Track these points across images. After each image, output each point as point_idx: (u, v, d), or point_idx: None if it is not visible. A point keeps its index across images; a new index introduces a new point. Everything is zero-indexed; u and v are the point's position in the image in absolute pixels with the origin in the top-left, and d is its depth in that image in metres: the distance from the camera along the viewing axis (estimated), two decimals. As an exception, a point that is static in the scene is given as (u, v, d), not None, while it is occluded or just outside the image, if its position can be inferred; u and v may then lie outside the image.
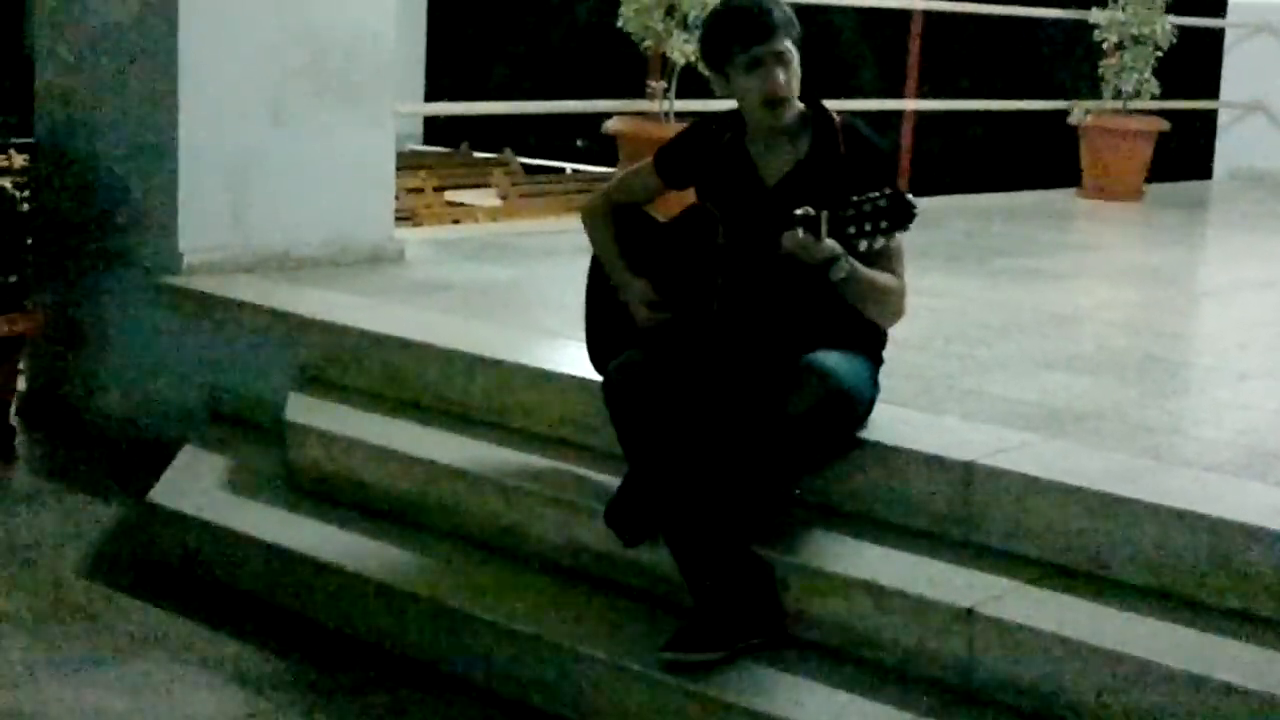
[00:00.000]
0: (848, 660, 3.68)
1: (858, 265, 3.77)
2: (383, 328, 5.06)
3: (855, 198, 3.66)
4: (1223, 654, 3.33)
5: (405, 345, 4.95)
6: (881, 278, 3.86)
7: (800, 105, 4.00)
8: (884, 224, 3.64)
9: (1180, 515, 3.55)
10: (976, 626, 3.52)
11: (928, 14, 11.73)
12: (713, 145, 4.08)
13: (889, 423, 4.05)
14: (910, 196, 3.63)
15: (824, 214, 3.67)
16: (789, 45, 3.92)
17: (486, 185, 12.49)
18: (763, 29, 3.90)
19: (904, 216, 3.63)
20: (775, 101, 3.93)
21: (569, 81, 14.95)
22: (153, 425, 5.73)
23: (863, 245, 3.68)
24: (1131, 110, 9.90)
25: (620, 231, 4.25)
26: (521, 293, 6.04)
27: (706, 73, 4.12)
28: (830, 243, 3.69)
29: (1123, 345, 5.54)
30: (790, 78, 3.93)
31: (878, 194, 3.65)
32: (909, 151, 12.04)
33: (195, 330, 5.60)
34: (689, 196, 4.21)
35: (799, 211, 3.69)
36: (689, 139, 4.19)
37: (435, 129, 15.59)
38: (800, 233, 3.68)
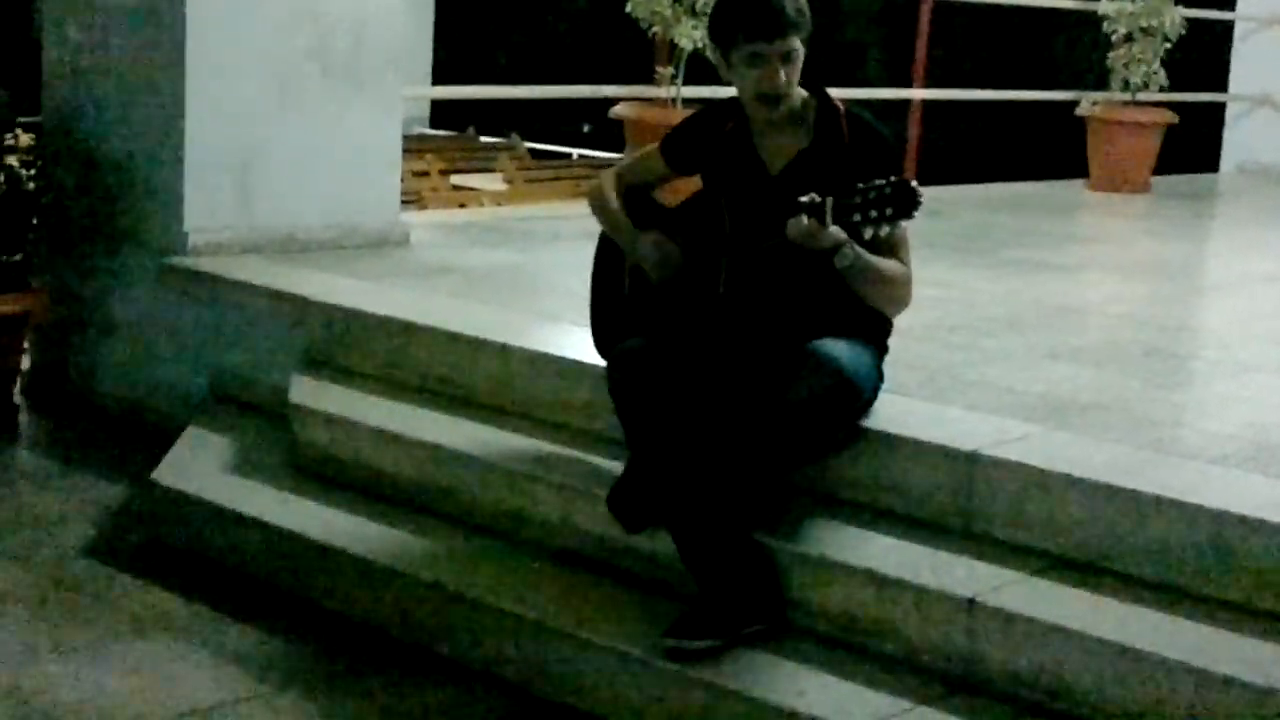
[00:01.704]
0: (849, 649, 3.69)
1: (863, 253, 3.76)
2: (387, 311, 5.06)
3: (861, 184, 3.65)
4: (1224, 646, 3.33)
5: (410, 328, 4.95)
6: (887, 265, 3.85)
7: (804, 94, 3.99)
8: (889, 211, 3.63)
9: (1183, 507, 3.55)
10: (978, 617, 3.52)
11: (936, 3, 11.70)
12: (718, 132, 4.06)
13: (893, 412, 4.05)
14: (915, 184, 3.62)
15: (829, 200, 3.66)
16: (796, 44, 3.87)
17: (492, 169, 12.49)
18: (772, 25, 3.85)
19: (909, 204, 3.62)
20: (770, 99, 3.91)
21: (576, 66, 14.94)
22: (156, 406, 5.74)
23: (868, 232, 3.67)
24: (1139, 102, 9.88)
25: (627, 213, 4.24)
26: (526, 277, 6.04)
27: (710, 52, 4.10)
28: (835, 229, 3.68)
29: (1127, 337, 5.54)
30: (791, 76, 3.90)
31: (883, 181, 3.64)
32: (916, 141, 12.01)
33: (200, 311, 5.60)
34: (696, 183, 4.20)
35: (804, 198, 3.69)
36: (695, 125, 4.18)
37: (442, 112, 15.58)
38: (805, 219, 3.68)
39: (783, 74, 3.87)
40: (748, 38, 3.86)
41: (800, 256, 3.78)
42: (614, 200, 4.22)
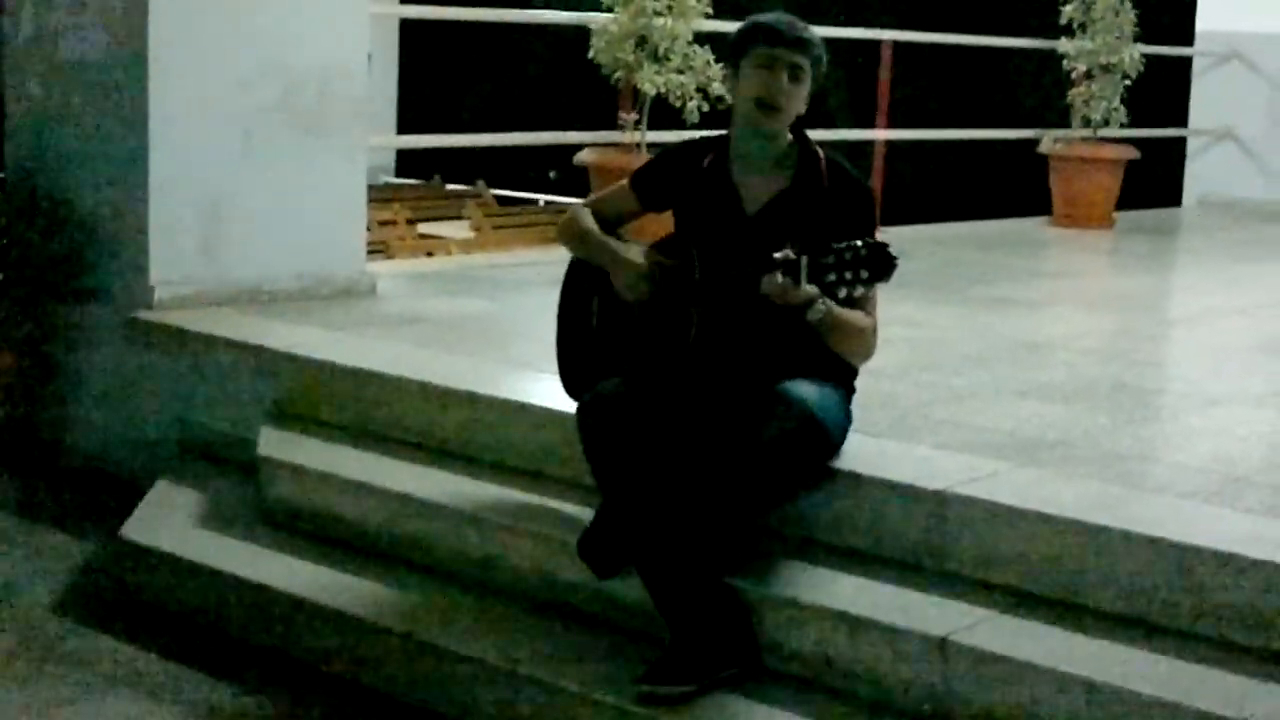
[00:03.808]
0: (822, 691, 3.68)
1: (834, 307, 3.77)
2: (355, 361, 5.06)
3: (836, 245, 3.66)
4: (1196, 680, 3.34)
5: (378, 379, 4.95)
6: (855, 318, 3.87)
7: (788, 136, 4.03)
8: (864, 274, 3.65)
9: (1152, 542, 3.56)
10: (951, 656, 3.52)
11: (897, 44, 11.76)
12: (694, 167, 4.07)
13: (862, 452, 4.05)
14: (891, 249, 3.63)
15: (804, 260, 3.67)
16: (805, 63, 3.97)
17: (459, 217, 12.50)
18: (790, 38, 3.97)
19: (885, 268, 3.64)
20: (766, 105, 3.95)
21: (541, 113, 14.97)
22: (125, 461, 5.71)
23: (842, 293, 3.69)
24: (1101, 138, 9.96)
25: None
26: (494, 325, 6.04)
27: (723, 70, 4.15)
28: (809, 288, 3.69)
29: (1095, 373, 5.56)
30: (792, 92, 3.97)
31: (860, 243, 3.66)
32: (880, 181, 12.06)
33: (167, 365, 5.59)
34: (666, 222, 4.19)
35: (779, 255, 3.69)
36: (670, 160, 4.18)
37: (407, 161, 15.61)
38: (779, 276, 3.69)
39: (784, 81, 3.95)
40: (767, 42, 3.96)
41: (771, 305, 3.79)
42: (590, 223, 4.20)
